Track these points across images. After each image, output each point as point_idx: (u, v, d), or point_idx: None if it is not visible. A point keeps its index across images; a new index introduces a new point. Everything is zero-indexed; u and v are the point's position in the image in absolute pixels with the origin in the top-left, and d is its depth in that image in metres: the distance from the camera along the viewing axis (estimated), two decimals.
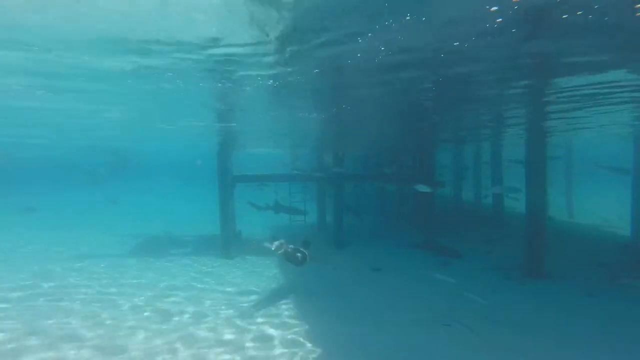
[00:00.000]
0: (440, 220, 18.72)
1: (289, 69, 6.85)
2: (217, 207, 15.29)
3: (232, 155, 17.68)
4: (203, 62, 6.37)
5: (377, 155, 26.00)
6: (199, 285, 11.36)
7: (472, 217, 21.31)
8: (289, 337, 7.94)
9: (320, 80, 7.74)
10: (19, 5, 4.40)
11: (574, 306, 9.29)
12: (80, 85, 8.06)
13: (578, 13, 4.41)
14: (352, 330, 8.13)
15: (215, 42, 5.45)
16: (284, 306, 9.59)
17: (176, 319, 8.86)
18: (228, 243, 14.97)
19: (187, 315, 9.07)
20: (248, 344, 7.61)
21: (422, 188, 12.21)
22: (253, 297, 10.31)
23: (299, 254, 8.55)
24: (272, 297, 10.22)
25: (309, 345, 7.58)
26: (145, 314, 9.14)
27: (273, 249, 8.55)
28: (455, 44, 5.47)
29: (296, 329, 8.27)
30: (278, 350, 7.37)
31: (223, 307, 9.56)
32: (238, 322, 8.65)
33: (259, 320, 8.75)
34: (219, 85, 8.03)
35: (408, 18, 4.56)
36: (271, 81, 7.65)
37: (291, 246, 8.77)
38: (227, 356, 7.15)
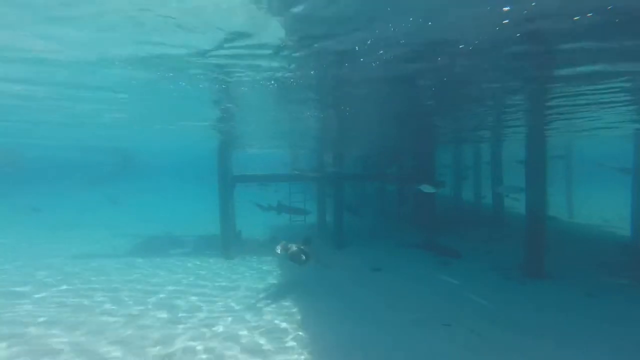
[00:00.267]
0: (440, 220, 18.73)
1: (290, 70, 6.86)
2: (217, 207, 15.29)
3: (232, 155, 17.69)
4: (211, 58, 6.29)
5: (377, 155, 25.98)
6: (199, 283, 11.34)
7: (472, 217, 21.31)
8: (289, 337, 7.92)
9: (321, 80, 7.75)
10: None
11: (574, 306, 9.29)
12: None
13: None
14: (352, 330, 8.13)
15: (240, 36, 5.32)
16: (284, 306, 9.59)
17: (167, 316, 8.88)
18: (228, 243, 14.96)
19: (181, 314, 9.07)
20: (238, 347, 7.55)
21: (427, 189, 12.11)
22: (251, 298, 10.29)
23: (302, 255, 8.61)
24: (272, 297, 10.22)
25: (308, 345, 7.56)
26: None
27: (280, 252, 8.73)
28: (460, 46, 5.48)
29: (296, 329, 8.26)
30: (276, 350, 7.37)
31: (221, 308, 9.55)
32: (233, 325, 8.55)
33: (253, 324, 8.53)
34: (220, 85, 8.04)
35: (410, 19, 4.56)
36: (272, 82, 7.66)
37: (294, 246, 8.82)
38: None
